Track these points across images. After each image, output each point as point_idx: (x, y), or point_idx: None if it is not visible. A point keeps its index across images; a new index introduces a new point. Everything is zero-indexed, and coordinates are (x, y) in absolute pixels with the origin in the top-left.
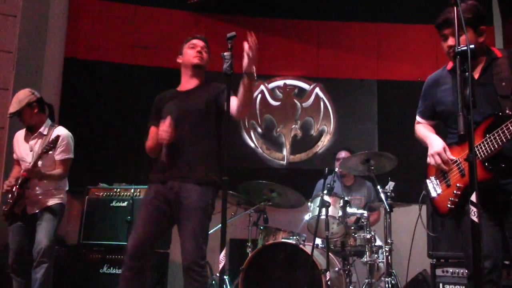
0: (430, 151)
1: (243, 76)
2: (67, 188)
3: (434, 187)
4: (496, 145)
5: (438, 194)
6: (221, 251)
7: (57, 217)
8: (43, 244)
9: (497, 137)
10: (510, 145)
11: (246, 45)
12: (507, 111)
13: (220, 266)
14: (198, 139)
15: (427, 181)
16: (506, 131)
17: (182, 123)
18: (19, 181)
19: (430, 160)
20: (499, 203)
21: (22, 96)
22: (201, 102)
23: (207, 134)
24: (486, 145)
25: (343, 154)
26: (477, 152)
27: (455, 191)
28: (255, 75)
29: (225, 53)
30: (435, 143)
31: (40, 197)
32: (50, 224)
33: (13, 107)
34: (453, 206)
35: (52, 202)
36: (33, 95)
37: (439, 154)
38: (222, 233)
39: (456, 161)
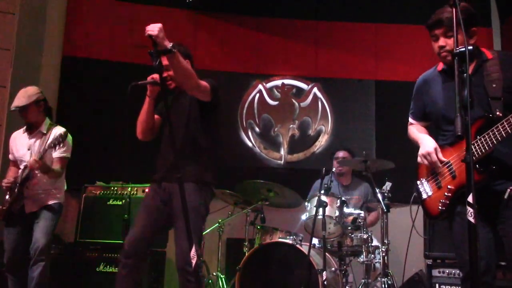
0: (421, 151)
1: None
2: (65, 189)
3: (425, 188)
4: (487, 147)
5: (429, 196)
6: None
7: (56, 216)
8: (40, 243)
9: (487, 139)
10: (501, 147)
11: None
12: (497, 113)
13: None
14: (190, 139)
15: (418, 182)
16: (496, 133)
17: (175, 123)
18: (20, 179)
19: (420, 160)
20: (490, 204)
21: (32, 92)
22: (189, 103)
23: (200, 134)
24: (477, 147)
25: (341, 154)
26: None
27: (446, 193)
28: (169, 47)
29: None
30: (426, 144)
31: (39, 196)
32: (48, 223)
33: (20, 101)
34: (444, 208)
35: (51, 201)
36: (41, 94)
37: (429, 154)
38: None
39: (447, 163)
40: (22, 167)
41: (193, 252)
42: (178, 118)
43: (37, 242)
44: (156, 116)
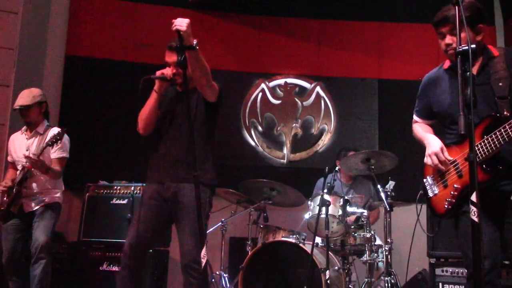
0: (427, 151)
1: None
2: (62, 189)
3: (431, 187)
4: (494, 147)
5: (435, 195)
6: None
7: (55, 215)
8: (40, 241)
9: (495, 139)
10: (508, 147)
11: (173, 25)
12: (505, 113)
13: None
14: (192, 139)
15: (424, 181)
16: (504, 133)
17: (176, 124)
18: (17, 180)
19: (427, 160)
20: (496, 204)
21: (36, 93)
22: (196, 103)
23: (202, 134)
24: (484, 146)
25: (350, 154)
26: None
27: (452, 192)
28: (194, 43)
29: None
30: (432, 143)
31: (37, 195)
32: (48, 221)
33: (25, 100)
34: (450, 207)
35: (50, 200)
36: (44, 96)
37: (436, 155)
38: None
39: (454, 161)
40: (20, 168)
41: (203, 252)
42: (183, 118)
43: (37, 240)
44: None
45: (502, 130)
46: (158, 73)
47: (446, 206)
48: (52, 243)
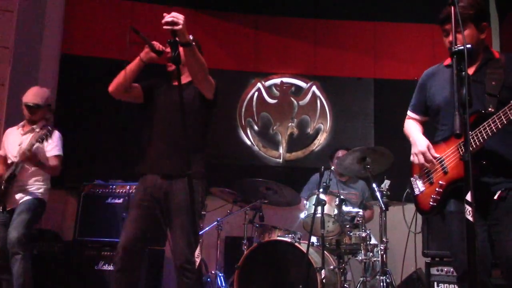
0: (413, 150)
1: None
2: (48, 186)
3: (417, 184)
4: (478, 142)
5: (421, 192)
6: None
7: (34, 211)
8: (11, 236)
9: (479, 135)
10: (492, 142)
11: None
12: (490, 108)
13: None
14: (183, 136)
15: (412, 179)
16: (487, 128)
17: (168, 120)
18: (6, 176)
19: (413, 159)
20: (482, 202)
21: (48, 94)
22: (184, 98)
23: (193, 130)
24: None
25: (340, 153)
26: (459, 150)
27: (437, 189)
28: (189, 40)
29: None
30: (419, 142)
31: (18, 192)
32: (23, 216)
33: (39, 100)
34: (435, 204)
35: (28, 197)
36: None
37: (423, 153)
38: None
39: (439, 158)
40: (10, 162)
41: (197, 251)
42: (172, 114)
43: (10, 235)
44: (136, 85)
45: (486, 125)
46: (156, 43)
47: (431, 203)
48: (30, 238)
